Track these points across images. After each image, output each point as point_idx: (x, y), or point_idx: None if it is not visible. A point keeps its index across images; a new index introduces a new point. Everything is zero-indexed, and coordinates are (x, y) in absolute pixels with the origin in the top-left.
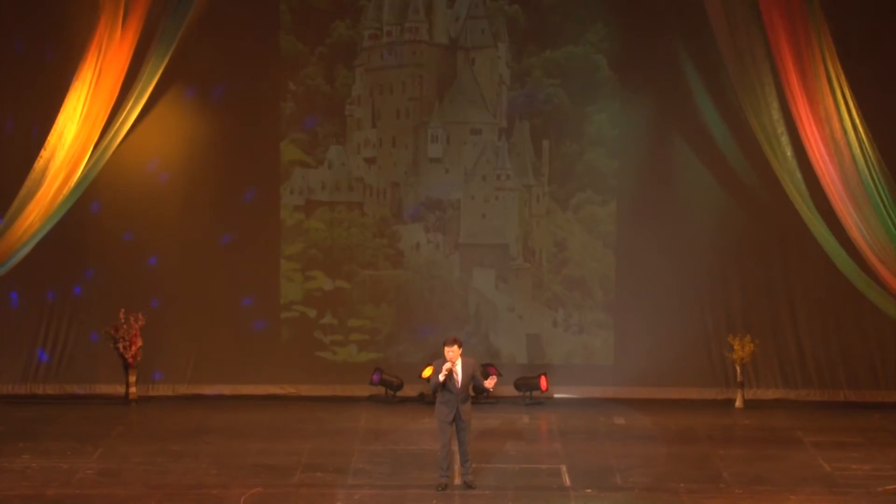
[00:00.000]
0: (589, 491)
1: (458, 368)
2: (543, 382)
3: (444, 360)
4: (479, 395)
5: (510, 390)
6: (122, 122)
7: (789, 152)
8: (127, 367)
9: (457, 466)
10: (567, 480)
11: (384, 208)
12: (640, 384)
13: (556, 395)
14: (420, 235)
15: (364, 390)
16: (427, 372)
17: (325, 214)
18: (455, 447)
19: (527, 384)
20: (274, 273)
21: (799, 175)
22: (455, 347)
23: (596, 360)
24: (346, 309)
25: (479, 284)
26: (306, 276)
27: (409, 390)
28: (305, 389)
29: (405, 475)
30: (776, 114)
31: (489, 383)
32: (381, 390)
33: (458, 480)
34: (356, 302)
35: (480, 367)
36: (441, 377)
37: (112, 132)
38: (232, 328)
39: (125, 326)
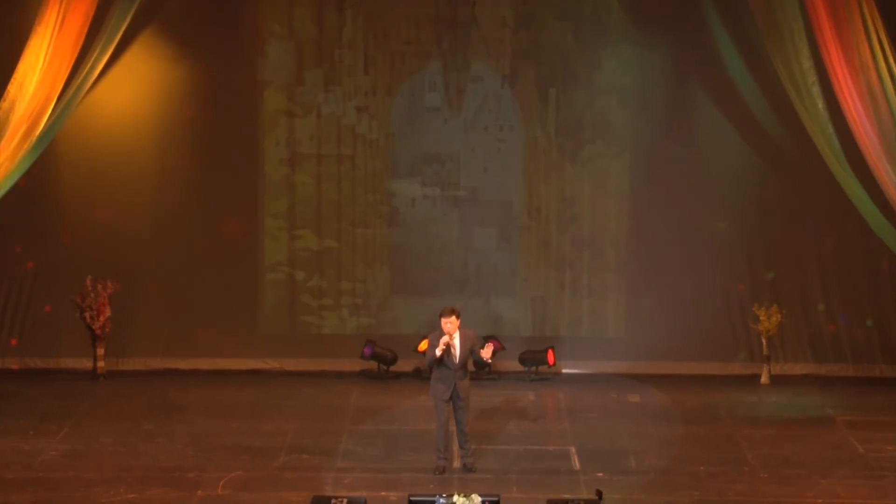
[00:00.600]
0: (600, 475)
1: (457, 341)
2: (550, 356)
3: (441, 333)
4: (479, 371)
5: (514, 365)
6: (89, 72)
7: (820, 104)
8: (94, 338)
9: (455, 448)
10: (576, 463)
11: (377, 161)
12: (655, 358)
13: (564, 371)
14: (416, 191)
15: (354, 365)
16: (423, 345)
17: (312, 168)
18: (453, 427)
19: (532, 358)
20: (257, 232)
21: (831, 129)
22: (453, 318)
23: (607, 332)
24: (336, 270)
25: (480, 244)
26: (292, 234)
27: (403, 365)
28: (290, 364)
29: (399, 457)
30: (806, 62)
31: (486, 353)
32: (373, 365)
33: (456, 463)
34: (346, 263)
35: (481, 340)
36: (438, 351)
37: (77, 82)
38: (210, 295)
39: (92, 295)
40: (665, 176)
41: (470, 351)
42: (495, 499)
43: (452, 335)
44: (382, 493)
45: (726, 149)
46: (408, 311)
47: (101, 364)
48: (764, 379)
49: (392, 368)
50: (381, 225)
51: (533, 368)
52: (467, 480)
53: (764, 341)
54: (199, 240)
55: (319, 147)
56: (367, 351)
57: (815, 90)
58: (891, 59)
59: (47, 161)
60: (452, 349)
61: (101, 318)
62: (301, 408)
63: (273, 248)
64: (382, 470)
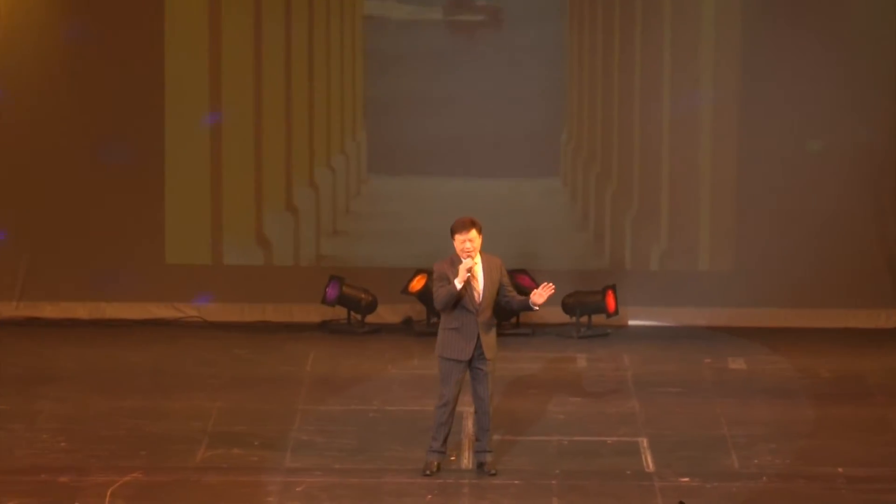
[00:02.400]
0: (685, 480)
1: (478, 270)
2: (611, 301)
3: (456, 259)
4: (502, 320)
5: (556, 313)
6: None
7: None
8: None
9: (464, 437)
10: (649, 463)
11: None
12: (769, 304)
13: (630, 322)
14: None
15: (312, 313)
16: (417, 282)
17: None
18: (461, 406)
19: (583, 304)
20: (159, 93)
21: None
22: (473, 233)
23: (697, 265)
24: (279, 163)
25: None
26: (214, 132)
27: (385, 313)
28: (215, 311)
29: (380, 453)
30: None
31: (539, 296)
32: (340, 313)
33: (466, 461)
34: (298, 142)
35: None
36: (459, 283)
37: None
38: (91, 198)
39: None
40: (787, 50)
41: (498, 285)
42: None
43: (474, 258)
44: None
45: (866, 47)
46: (396, 226)
47: None
48: None
49: (369, 319)
50: (354, 67)
51: (584, 319)
52: (484, 488)
53: None
54: (69, 109)
55: None
56: (332, 292)
57: None
58: None
59: None
60: (474, 282)
61: None
62: (230, 378)
63: (183, 139)
64: (354, 472)
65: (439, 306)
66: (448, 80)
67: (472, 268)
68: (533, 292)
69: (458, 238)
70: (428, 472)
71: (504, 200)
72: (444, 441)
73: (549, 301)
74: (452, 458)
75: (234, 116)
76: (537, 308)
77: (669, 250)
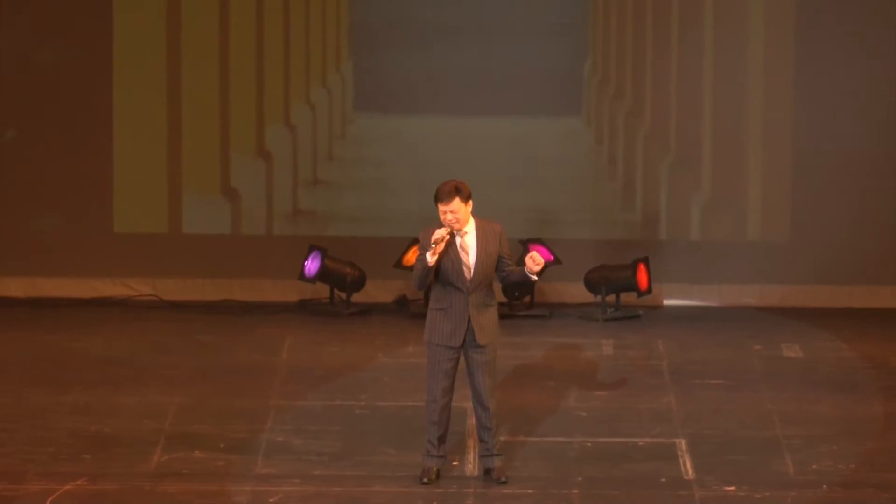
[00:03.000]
0: (731, 489)
1: (471, 241)
2: (642, 277)
3: (440, 226)
4: (513, 299)
5: (577, 290)
6: None
7: None
8: None
9: (466, 438)
10: (688, 468)
11: None
12: (830, 281)
13: (666, 302)
14: None
15: (289, 291)
16: (413, 254)
17: None
18: (460, 401)
19: (610, 280)
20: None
21: None
22: (456, 202)
23: (744, 235)
24: (248, 105)
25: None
26: (172, 74)
27: (375, 291)
28: (174, 287)
29: (368, 457)
30: None
31: (533, 263)
32: (321, 290)
33: (471, 466)
34: (272, 77)
35: (521, 246)
36: (429, 256)
37: None
38: (24, 157)
39: None
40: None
41: (496, 256)
42: None
43: (460, 230)
44: None
45: None
46: (388, 175)
47: None
48: None
49: (355, 298)
50: None
51: (610, 298)
52: (492, 499)
53: None
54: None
55: None
56: (312, 265)
57: None
58: None
59: None
60: (461, 250)
61: None
62: (191, 368)
63: (134, 79)
64: (338, 480)
65: (414, 284)
66: (450, 2)
67: (451, 238)
68: (527, 257)
69: (440, 208)
70: (425, 480)
71: (516, 144)
72: (441, 443)
73: (570, 276)
74: (455, 464)
75: (195, 46)
76: (535, 278)
77: (713, 205)
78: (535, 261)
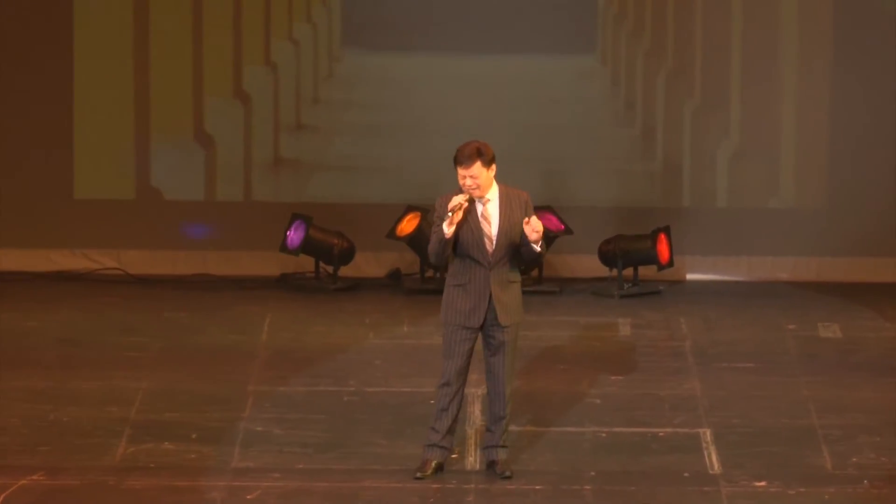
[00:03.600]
0: (761, 485)
1: (493, 209)
2: (663, 248)
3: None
4: (524, 271)
5: (590, 263)
6: None
7: None
8: None
9: (472, 427)
10: (714, 462)
11: None
12: (872, 252)
13: (689, 277)
14: None
15: (269, 264)
16: (408, 223)
17: None
18: (471, 389)
19: (627, 252)
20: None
21: None
22: (477, 167)
23: (779, 199)
24: (225, 46)
25: None
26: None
27: (365, 263)
28: (140, 259)
29: (356, 449)
30: None
31: (531, 230)
32: (306, 263)
33: (472, 459)
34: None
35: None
36: (446, 227)
37: None
38: None
39: None
40: None
41: (519, 226)
42: None
43: (481, 196)
44: None
45: None
46: (380, 119)
47: None
48: None
49: (343, 271)
50: None
51: (628, 272)
52: (495, 495)
53: None
54: None
55: None
56: (295, 235)
57: None
58: None
59: None
60: (484, 222)
61: None
62: (160, 350)
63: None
64: (323, 474)
65: (430, 257)
66: None
67: (470, 206)
68: (524, 224)
69: (459, 172)
70: (419, 475)
71: (523, 85)
72: (448, 433)
73: (582, 247)
74: (455, 456)
75: None
76: (539, 249)
77: (741, 154)
78: (532, 227)
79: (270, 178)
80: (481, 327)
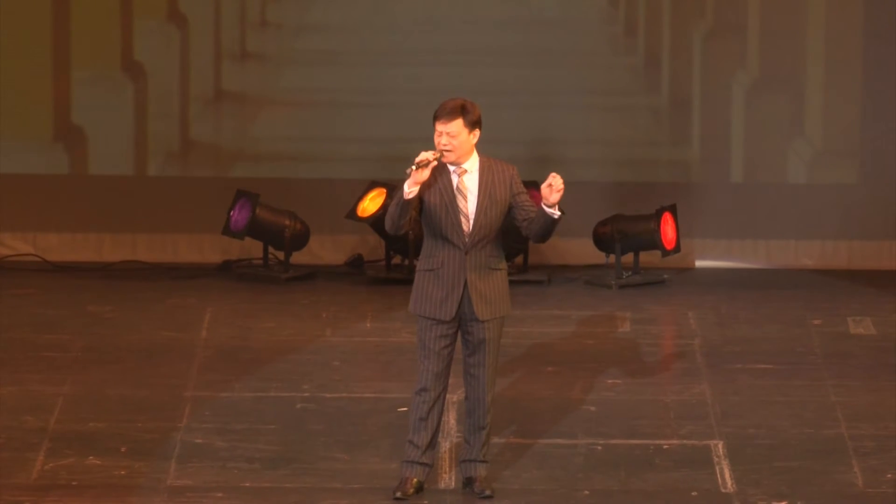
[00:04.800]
0: None
1: (471, 181)
2: (668, 230)
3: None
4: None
5: (584, 248)
6: None
7: None
8: None
9: (447, 440)
10: (727, 478)
11: None
12: None
13: (699, 264)
14: None
15: (212, 250)
16: (372, 201)
17: None
18: (449, 396)
19: (627, 234)
20: None
21: None
22: (456, 125)
23: (798, 175)
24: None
25: None
26: None
27: (321, 249)
28: (59, 244)
29: (312, 464)
30: None
31: (552, 191)
32: (253, 248)
33: (447, 476)
34: None
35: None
36: (407, 186)
37: None
38: None
39: None
40: None
41: (509, 205)
42: None
43: (455, 163)
44: None
45: None
46: (341, 46)
47: None
48: None
49: (296, 258)
50: None
51: (627, 258)
52: None
53: None
54: None
55: None
56: (240, 217)
57: None
58: None
59: None
60: (459, 197)
61: None
62: (84, 348)
63: None
64: (273, 493)
65: (386, 223)
66: None
67: (439, 164)
68: (543, 185)
69: (436, 128)
70: (399, 496)
71: (506, 4)
72: (429, 448)
73: (575, 230)
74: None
75: None
76: (558, 214)
77: (759, 88)
78: (555, 187)
79: (210, 115)
80: (459, 322)
